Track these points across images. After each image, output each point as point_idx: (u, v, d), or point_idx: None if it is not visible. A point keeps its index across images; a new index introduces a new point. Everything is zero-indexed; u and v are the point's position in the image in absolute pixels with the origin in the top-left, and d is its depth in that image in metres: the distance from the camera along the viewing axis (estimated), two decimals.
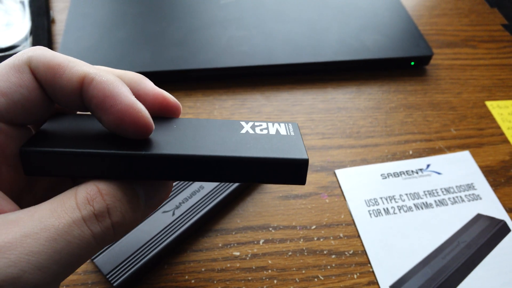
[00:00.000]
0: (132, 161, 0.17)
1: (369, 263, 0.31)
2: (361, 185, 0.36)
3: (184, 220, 0.30)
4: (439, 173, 0.37)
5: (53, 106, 0.19)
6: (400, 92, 0.44)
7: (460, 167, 0.38)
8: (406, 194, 0.35)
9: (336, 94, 0.43)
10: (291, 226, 0.33)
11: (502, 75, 0.47)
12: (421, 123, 0.41)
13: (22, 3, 0.45)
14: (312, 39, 0.45)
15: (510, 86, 0.46)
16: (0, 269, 0.14)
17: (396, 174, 0.37)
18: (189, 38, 0.44)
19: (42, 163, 0.17)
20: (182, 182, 0.32)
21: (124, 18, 0.45)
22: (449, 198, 0.35)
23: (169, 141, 0.18)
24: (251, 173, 0.18)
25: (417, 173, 0.37)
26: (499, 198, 0.36)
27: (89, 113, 0.19)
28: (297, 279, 0.30)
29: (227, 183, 0.32)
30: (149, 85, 0.20)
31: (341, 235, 0.33)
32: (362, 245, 0.32)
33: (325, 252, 0.32)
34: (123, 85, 0.17)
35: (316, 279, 0.30)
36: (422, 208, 0.35)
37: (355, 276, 0.30)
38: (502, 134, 0.41)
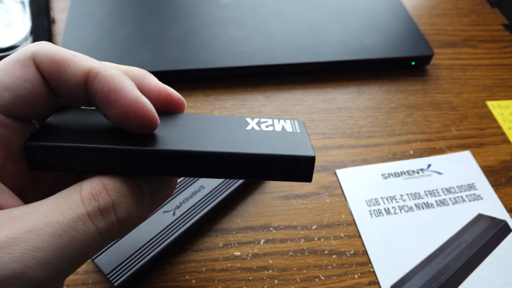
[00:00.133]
0: (137, 156, 0.17)
1: (370, 263, 0.31)
2: (361, 185, 0.36)
3: (184, 220, 0.30)
4: (440, 173, 0.37)
5: (57, 100, 0.19)
6: (400, 92, 0.44)
7: (461, 167, 0.38)
8: (407, 194, 0.35)
9: (337, 94, 0.43)
10: (291, 226, 0.33)
11: (502, 75, 0.47)
12: (422, 123, 0.41)
13: (23, 3, 0.45)
14: (312, 39, 0.45)
15: (511, 86, 0.46)
16: (4, 264, 0.14)
17: (397, 174, 0.37)
18: (189, 38, 0.44)
19: (47, 158, 0.17)
20: (182, 182, 0.32)
21: (124, 18, 0.45)
22: (450, 198, 0.35)
23: (174, 137, 0.18)
24: (257, 170, 0.18)
25: (418, 173, 0.37)
26: (500, 198, 0.36)
27: (93, 107, 0.18)
28: (298, 279, 0.30)
29: (229, 182, 0.32)
30: (153, 81, 0.20)
31: (342, 235, 0.33)
32: (363, 245, 0.32)
33: (326, 252, 0.31)
34: (128, 79, 0.17)
35: (317, 279, 0.30)
36: (423, 208, 0.34)
37: (356, 276, 0.30)
38: (503, 134, 0.41)
